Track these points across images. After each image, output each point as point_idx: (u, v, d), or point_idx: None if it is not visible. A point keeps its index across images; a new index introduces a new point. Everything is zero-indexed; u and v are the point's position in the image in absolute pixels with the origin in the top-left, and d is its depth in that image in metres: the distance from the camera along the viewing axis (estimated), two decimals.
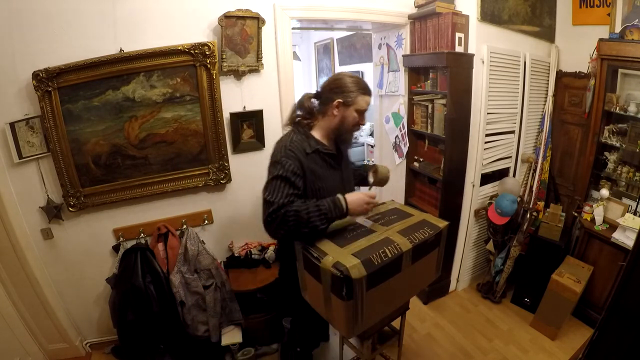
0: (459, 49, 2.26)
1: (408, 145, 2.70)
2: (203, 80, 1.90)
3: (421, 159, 2.67)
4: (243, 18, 1.92)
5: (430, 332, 2.44)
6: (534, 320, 2.48)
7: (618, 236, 2.27)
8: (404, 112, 2.68)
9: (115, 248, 2.04)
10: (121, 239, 2.03)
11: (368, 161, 4.58)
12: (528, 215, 2.58)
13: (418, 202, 2.73)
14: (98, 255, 2.04)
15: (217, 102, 1.96)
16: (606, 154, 2.54)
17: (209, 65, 1.89)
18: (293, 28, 2.22)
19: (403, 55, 2.57)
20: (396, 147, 2.84)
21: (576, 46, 2.69)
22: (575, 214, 2.57)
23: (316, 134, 1.39)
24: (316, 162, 1.34)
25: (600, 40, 2.36)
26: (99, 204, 1.93)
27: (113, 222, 2.01)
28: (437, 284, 2.69)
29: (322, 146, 1.36)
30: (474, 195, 2.61)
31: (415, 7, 2.45)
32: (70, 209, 1.87)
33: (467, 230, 2.68)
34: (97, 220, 1.99)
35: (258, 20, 1.95)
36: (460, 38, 2.24)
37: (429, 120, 2.48)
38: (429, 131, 2.49)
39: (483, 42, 2.34)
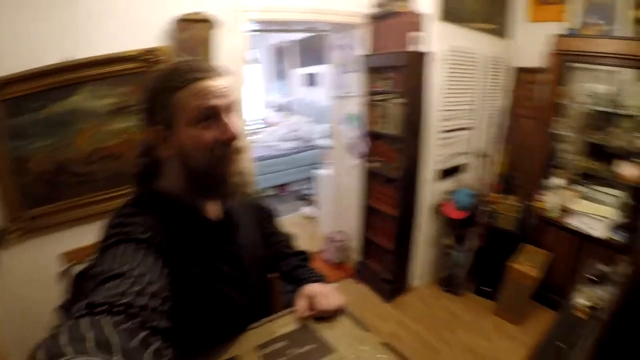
0: (418, 47, 2.49)
1: (365, 146, 2.95)
2: None
3: (379, 159, 2.92)
4: (198, 21, 2.03)
5: (394, 330, 2.70)
6: (496, 309, 2.84)
7: (572, 221, 2.71)
8: (360, 112, 2.94)
9: (65, 273, 2.01)
10: (71, 262, 2.02)
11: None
12: (485, 208, 2.98)
13: (376, 203, 2.99)
14: (46, 282, 2.02)
15: None
16: (558, 144, 2.94)
17: None
18: (251, 30, 2.34)
19: (361, 56, 2.83)
20: (352, 148, 3.11)
21: (533, 42, 3.07)
22: (530, 204, 2.96)
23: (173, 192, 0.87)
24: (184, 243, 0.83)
25: (557, 35, 2.74)
26: (46, 226, 1.99)
27: (61, 245, 2.00)
28: (398, 282, 2.98)
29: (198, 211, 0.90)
30: (431, 191, 2.92)
31: (374, 6, 2.69)
32: (12, 234, 1.90)
33: (425, 226, 2.99)
34: (44, 244, 2.03)
35: (213, 23, 2.07)
36: (419, 37, 2.48)
37: (386, 120, 2.73)
38: (386, 131, 2.74)
39: (442, 40, 2.59)
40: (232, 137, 0.81)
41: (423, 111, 2.67)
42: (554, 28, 2.86)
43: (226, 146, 0.81)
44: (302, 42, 6.30)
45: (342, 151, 3.31)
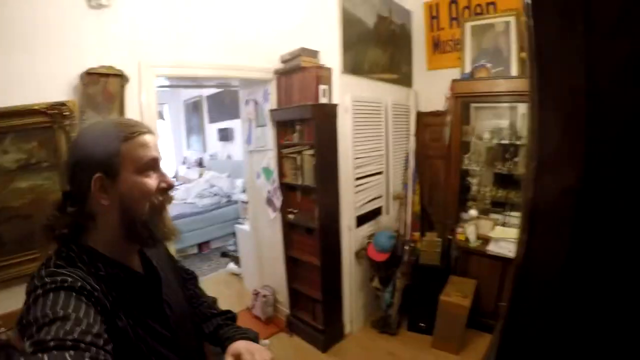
0: (323, 100, 2.62)
1: (281, 198, 2.97)
2: (62, 145, 1.88)
3: (296, 210, 2.96)
4: (106, 75, 1.98)
5: None
6: (433, 342, 2.92)
7: (492, 248, 2.93)
8: (273, 166, 2.99)
9: None
10: None
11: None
12: (406, 247, 3.10)
13: (298, 253, 3.00)
14: None
15: None
16: (469, 178, 3.25)
17: (67, 128, 1.87)
18: (160, 86, 2.36)
19: (270, 110, 2.92)
20: (269, 201, 3.13)
21: (432, 88, 3.43)
22: (450, 237, 3.15)
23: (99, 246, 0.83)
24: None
25: (454, 80, 3.09)
26: None
27: None
28: (331, 331, 2.96)
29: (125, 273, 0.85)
30: (352, 237, 2.98)
31: (282, 62, 2.81)
32: None
33: (351, 272, 3.02)
34: None
35: (122, 77, 2.03)
36: (324, 90, 2.63)
37: (299, 172, 2.78)
38: (300, 182, 2.79)
39: (346, 92, 2.77)
40: (171, 185, 0.88)
41: (335, 160, 2.79)
42: (451, 74, 3.24)
43: (164, 194, 0.86)
44: (215, 96, 6.36)
45: (259, 205, 3.30)
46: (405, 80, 3.56)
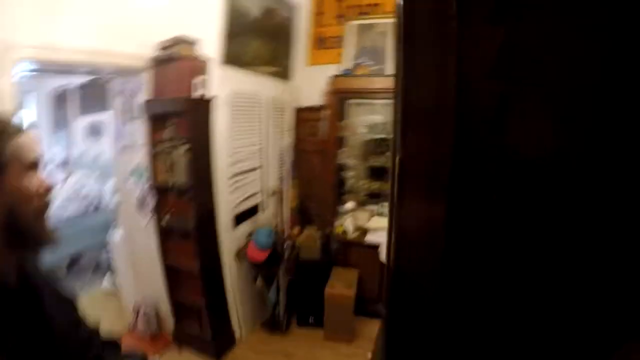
0: (200, 92, 2.47)
1: (154, 201, 2.75)
2: None
3: (170, 214, 2.75)
4: None
5: None
6: (325, 334, 2.99)
7: (370, 238, 3.08)
8: (145, 165, 2.74)
9: None
10: None
11: None
12: (287, 243, 3.10)
13: (177, 260, 2.79)
14: None
15: None
16: (345, 172, 3.37)
17: None
18: (25, 71, 2.02)
19: (143, 102, 2.65)
20: (141, 205, 2.87)
21: (312, 83, 3.45)
22: (329, 230, 3.25)
23: None
24: None
25: (333, 76, 3.17)
26: None
27: None
28: (221, 338, 2.85)
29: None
30: (230, 238, 2.88)
31: (158, 50, 2.55)
32: None
33: (233, 274, 2.93)
34: None
35: None
36: (201, 81, 2.47)
37: (173, 170, 2.59)
38: (174, 182, 2.61)
39: (225, 84, 2.64)
40: (52, 187, 0.83)
41: (211, 156, 2.65)
42: (331, 70, 3.31)
43: (47, 196, 0.81)
44: (85, 86, 5.59)
45: (132, 209, 3.00)
46: (285, 74, 3.53)
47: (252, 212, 3.14)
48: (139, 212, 2.90)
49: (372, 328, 3.00)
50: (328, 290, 2.98)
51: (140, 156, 2.81)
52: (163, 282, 2.91)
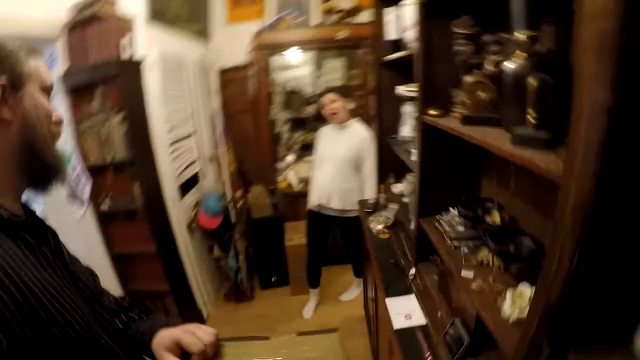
0: (128, 54, 2.22)
1: (89, 186, 2.45)
2: None
3: (111, 196, 2.50)
4: None
5: None
6: (292, 290, 3.07)
7: None
8: (72, 146, 2.42)
9: None
10: None
11: None
12: (237, 206, 3.07)
13: (125, 247, 2.57)
14: None
15: None
16: (279, 127, 3.41)
17: None
18: None
19: (61, 75, 2.29)
20: (73, 195, 2.53)
21: (233, 42, 3.34)
22: (274, 187, 3.29)
23: None
24: None
25: (257, 32, 3.07)
26: None
27: None
28: (190, 320, 2.90)
29: (3, 210, 0.64)
30: (179, 210, 2.72)
31: (75, 12, 2.21)
32: None
33: (188, 249, 2.79)
34: None
35: None
36: (128, 42, 2.22)
37: (108, 146, 2.34)
38: (110, 159, 2.36)
39: (152, 43, 2.41)
40: (62, 119, 0.79)
41: (147, 124, 2.43)
42: (252, 26, 3.23)
43: (58, 125, 0.77)
44: None
45: (61, 203, 2.65)
46: (204, 34, 3.35)
47: (194, 181, 2.99)
48: (71, 203, 2.60)
49: (333, 273, 3.21)
50: (287, 243, 3.04)
51: (64, 138, 2.50)
52: (113, 274, 2.64)
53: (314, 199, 2.70)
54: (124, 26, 2.24)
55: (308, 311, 2.91)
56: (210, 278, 3.10)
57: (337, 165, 2.60)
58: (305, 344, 0.95)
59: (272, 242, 3.08)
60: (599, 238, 0.58)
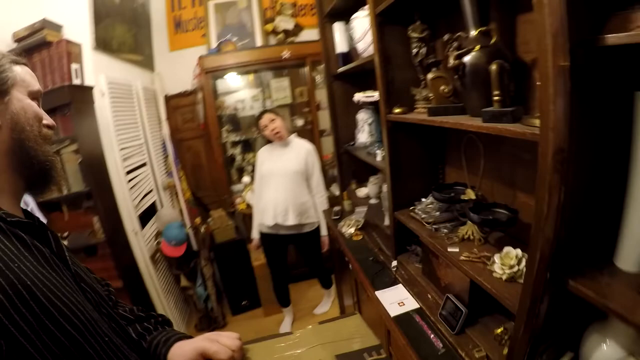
0: (76, 81, 2.16)
1: (44, 222, 2.35)
2: None
3: (66, 233, 2.38)
4: None
5: None
6: (265, 310, 3.05)
7: None
8: None
9: None
10: None
11: None
12: (199, 233, 3.02)
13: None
14: None
15: None
16: (231, 150, 3.44)
17: None
18: None
19: None
20: None
21: (177, 69, 3.37)
22: (232, 210, 3.29)
23: None
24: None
25: (201, 56, 3.11)
26: None
27: None
28: None
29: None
30: (141, 241, 2.63)
31: (15, 41, 2.13)
32: None
33: (154, 281, 2.69)
34: None
35: None
36: (77, 69, 2.18)
37: (61, 179, 2.36)
38: (64, 192, 2.26)
39: (99, 72, 2.37)
40: (54, 125, 0.80)
41: (102, 153, 2.38)
42: (195, 52, 3.30)
43: (49, 128, 0.78)
44: None
45: None
46: (149, 62, 3.33)
47: (151, 211, 2.91)
48: None
49: (302, 289, 3.26)
50: (255, 263, 3.03)
51: None
52: None
53: (268, 221, 2.62)
54: (74, 52, 2.20)
55: (285, 329, 2.90)
56: (179, 309, 3.00)
57: (289, 180, 2.59)
58: (329, 329, 0.98)
59: (239, 265, 3.06)
60: (577, 175, 0.71)
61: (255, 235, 2.76)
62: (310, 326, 1.02)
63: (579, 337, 0.82)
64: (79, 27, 2.32)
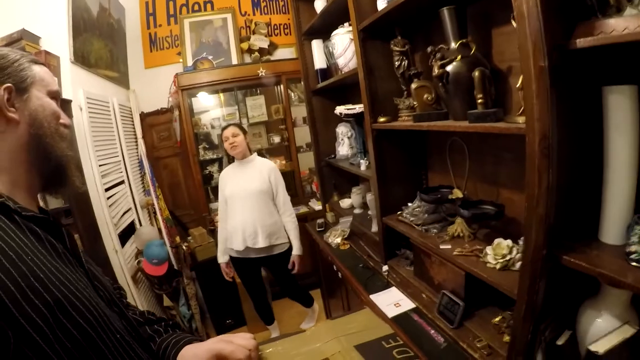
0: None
1: None
2: None
3: None
4: None
5: None
6: (250, 328, 3.03)
7: None
8: None
9: None
10: None
11: None
12: (180, 251, 3.00)
13: None
14: None
15: None
16: (208, 167, 3.45)
17: None
18: None
19: None
20: None
21: (152, 87, 3.36)
22: (212, 227, 3.26)
23: None
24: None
25: (177, 74, 3.13)
26: None
27: None
28: None
29: (12, 202, 0.65)
30: (121, 259, 2.58)
31: None
32: None
33: (137, 301, 2.62)
34: None
35: None
36: (57, 81, 2.06)
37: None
38: (45, 209, 2.25)
39: (77, 86, 2.35)
40: (68, 123, 0.82)
41: (82, 171, 2.29)
42: (170, 70, 3.34)
43: (67, 127, 0.81)
44: None
45: None
46: (124, 80, 3.32)
47: (130, 230, 2.87)
48: None
49: (286, 305, 3.23)
50: (238, 280, 3.01)
51: None
52: None
53: (237, 245, 2.57)
54: (52, 64, 2.19)
55: None
56: None
57: (255, 201, 2.54)
58: (341, 324, 1.01)
59: (221, 283, 3.00)
60: (560, 160, 0.81)
61: (221, 260, 2.71)
62: (320, 323, 1.05)
63: (574, 316, 0.91)
64: (57, 40, 2.32)
